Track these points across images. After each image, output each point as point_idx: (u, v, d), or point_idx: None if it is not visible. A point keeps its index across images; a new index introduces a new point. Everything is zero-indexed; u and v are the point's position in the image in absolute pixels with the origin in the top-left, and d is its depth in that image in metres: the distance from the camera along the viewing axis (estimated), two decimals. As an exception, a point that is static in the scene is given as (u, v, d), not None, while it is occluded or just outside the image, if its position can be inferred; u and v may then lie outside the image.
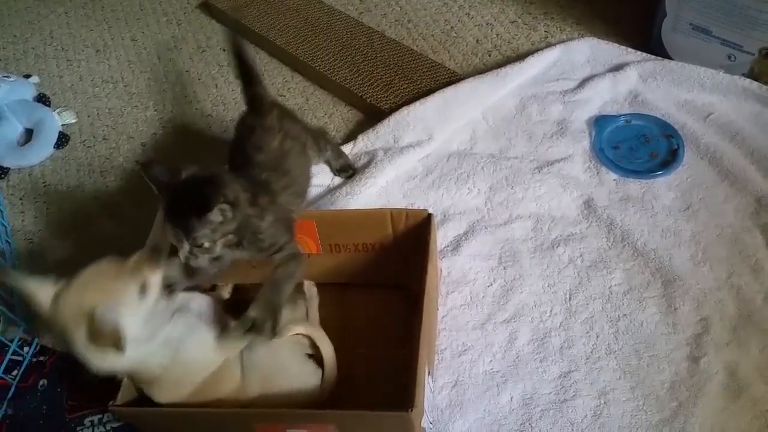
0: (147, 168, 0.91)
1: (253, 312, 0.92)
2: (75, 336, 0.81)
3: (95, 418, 1.11)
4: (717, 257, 1.15)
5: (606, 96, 1.45)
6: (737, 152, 1.29)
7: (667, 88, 1.43)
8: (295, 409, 0.93)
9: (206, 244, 0.89)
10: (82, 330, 0.80)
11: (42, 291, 0.83)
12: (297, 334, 1.03)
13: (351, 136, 1.47)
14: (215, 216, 0.87)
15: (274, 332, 0.92)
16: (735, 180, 1.25)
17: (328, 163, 1.35)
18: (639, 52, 1.53)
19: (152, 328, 0.88)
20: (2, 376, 1.15)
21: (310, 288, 1.14)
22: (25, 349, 1.20)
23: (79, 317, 0.80)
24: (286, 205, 1.02)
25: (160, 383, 0.92)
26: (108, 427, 1.09)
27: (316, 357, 1.03)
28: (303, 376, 0.99)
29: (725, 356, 1.03)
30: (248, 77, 1.22)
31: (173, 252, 0.93)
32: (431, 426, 0.99)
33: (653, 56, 1.51)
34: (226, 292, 1.14)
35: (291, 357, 1.01)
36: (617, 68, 1.49)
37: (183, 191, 0.90)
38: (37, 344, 1.21)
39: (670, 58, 1.49)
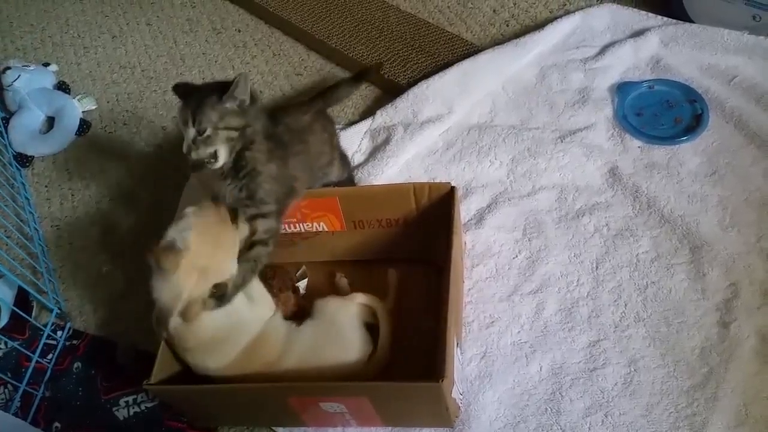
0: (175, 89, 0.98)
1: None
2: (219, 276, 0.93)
3: (130, 399, 1.13)
4: (745, 221, 1.14)
5: (628, 62, 1.43)
6: (763, 115, 1.26)
7: (690, 52, 1.41)
8: (326, 383, 0.94)
9: (209, 130, 0.92)
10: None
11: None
12: (362, 304, 1.07)
13: (369, 112, 1.46)
14: (230, 101, 0.93)
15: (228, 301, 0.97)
16: (762, 143, 1.23)
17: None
18: (660, 17, 1.50)
19: None
20: (38, 359, 1.17)
21: (392, 275, 1.15)
22: (59, 333, 1.22)
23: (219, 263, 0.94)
24: (293, 170, 1.04)
25: (209, 347, 0.95)
26: (143, 407, 1.12)
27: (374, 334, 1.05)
28: (354, 343, 1.01)
29: (756, 321, 1.02)
30: (326, 92, 1.25)
31: None
32: (461, 396, 0.99)
33: (675, 20, 1.48)
34: None
35: (350, 320, 1.03)
36: (638, 34, 1.46)
37: (207, 86, 0.97)
38: (70, 328, 1.23)
39: (691, 21, 1.46)
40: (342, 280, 1.17)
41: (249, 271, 0.98)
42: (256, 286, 1.01)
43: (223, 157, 0.95)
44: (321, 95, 1.23)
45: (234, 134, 0.95)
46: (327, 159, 1.15)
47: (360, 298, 1.07)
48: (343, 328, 1.01)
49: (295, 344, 0.98)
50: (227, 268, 0.95)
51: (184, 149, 0.94)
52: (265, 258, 1.00)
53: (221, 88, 0.94)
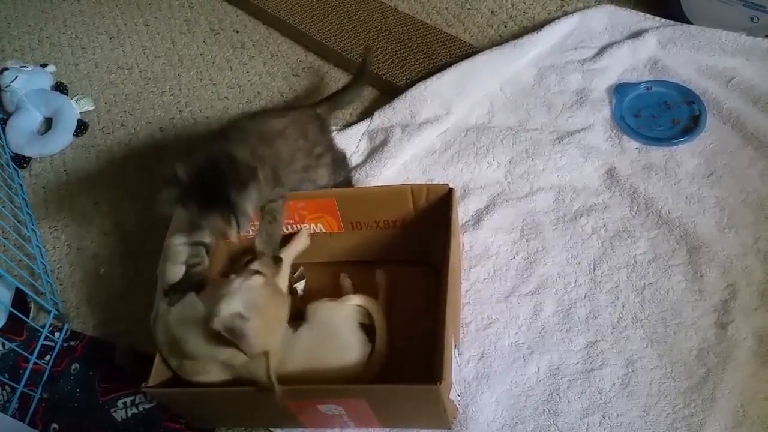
0: (162, 208, 0.97)
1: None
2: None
3: (128, 400, 1.13)
4: (742, 223, 1.14)
5: (625, 63, 1.43)
6: (761, 116, 1.27)
7: (688, 53, 1.41)
8: (325, 385, 0.94)
9: (249, 210, 0.94)
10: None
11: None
12: (356, 305, 1.06)
13: (367, 114, 1.46)
14: (255, 186, 0.93)
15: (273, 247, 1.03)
16: (759, 144, 1.23)
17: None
18: (658, 18, 1.50)
19: None
20: (36, 361, 1.17)
21: (381, 275, 1.15)
22: (56, 334, 1.22)
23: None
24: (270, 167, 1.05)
25: (200, 361, 0.96)
26: (141, 408, 1.12)
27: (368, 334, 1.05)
28: (352, 345, 1.00)
29: (754, 322, 1.02)
30: (335, 95, 1.29)
31: None
32: (459, 398, 0.99)
33: (672, 21, 1.48)
34: None
35: (345, 323, 1.03)
36: (636, 35, 1.46)
37: (206, 186, 0.93)
38: (68, 329, 1.23)
39: (689, 22, 1.46)
40: (346, 281, 1.16)
41: (268, 224, 1.02)
42: (283, 283, 1.04)
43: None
44: (327, 99, 1.24)
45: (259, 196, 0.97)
46: (300, 165, 1.14)
47: (354, 300, 1.06)
48: (338, 332, 1.01)
49: (293, 349, 0.98)
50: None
51: (235, 239, 0.98)
52: (280, 213, 1.05)
53: (224, 177, 0.93)
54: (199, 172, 0.95)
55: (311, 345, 0.99)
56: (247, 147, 1.03)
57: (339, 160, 1.26)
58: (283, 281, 1.05)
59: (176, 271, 1.04)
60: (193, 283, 1.01)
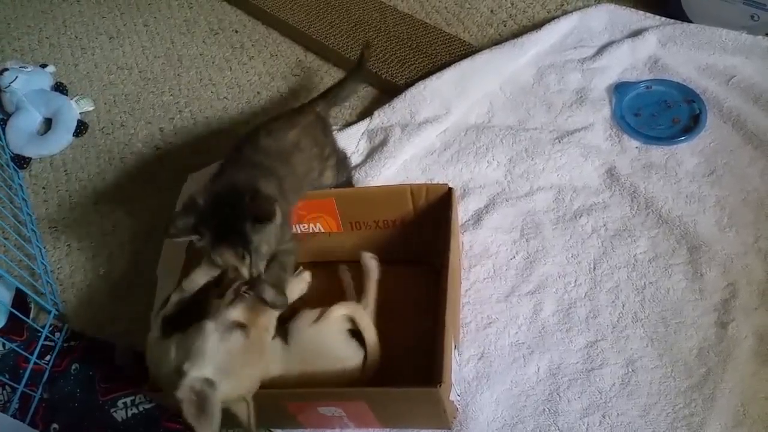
0: (174, 234, 0.89)
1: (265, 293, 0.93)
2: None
3: (128, 400, 1.13)
4: (743, 222, 1.14)
5: (625, 62, 1.42)
6: (761, 115, 1.26)
7: (688, 52, 1.41)
8: (325, 388, 0.94)
9: (264, 249, 0.89)
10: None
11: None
12: (341, 315, 1.03)
13: (366, 113, 1.46)
14: (273, 225, 0.88)
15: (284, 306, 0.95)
16: (760, 143, 1.23)
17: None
18: (658, 17, 1.50)
19: None
20: (36, 361, 1.17)
21: (369, 261, 1.13)
22: (57, 334, 1.22)
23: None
24: (287, 196, 1.01)
25: None
26: (141, 408, 1.12)
27: (360, 337, 1.02)
28: (344, 358, 0.99)
29: (754, 321, 1.02)
30: (330, 91, 1.26)
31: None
32: (459, 398, 0.99)
33: (672, 20, 1.48)
34: None
35: (333, 338, 1.00)
36: (636, 34, 1.46)
37: (224, 217, 0.88)
38: (68, 330, 1.23)
39: (689, 21, 1.46)
40: (345, 274, 1.16)
41: (276, 270, 0.96)
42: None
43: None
44: (323, 96, 1.22)
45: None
46: (317, 173, 1.12)
47: (337, 311, 1.01)
48: (327, 348, 0.99)
49: (290, 362, 0.97)
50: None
51: (247, 276, 0.91)
52: (290, 262, 1.01)
53: (237, 207, 0.88)
54: (219, 201, 0.90)
55: (303, 358, 0.98)
56: (271, 176, 0.98)
57: (342, 160, 1.26)
58: (272, 322, 0.95)
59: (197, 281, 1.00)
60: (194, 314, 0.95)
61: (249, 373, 0.88)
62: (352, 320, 1.03)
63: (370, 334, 1.02)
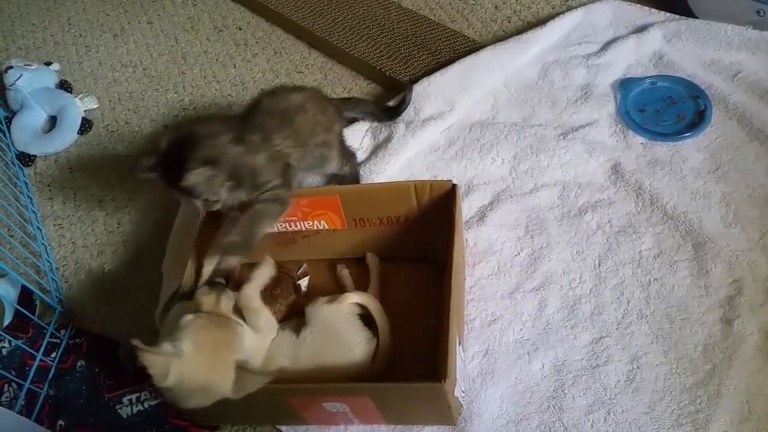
0: (138, 171, 1.01)
1: (231, 237, 1.01)
2: (221, 390, 0.87)
3: (133, 397, 1.13)
4: (748, 218, 1.14)
5: (630, 58, 1.42)
6: (767, 110, 1.26)
7: (693, 47, 1.40)
8: (328, 384, 0.94)
9: (210, 198, 0.97)
10: (228, 383, 0.87)
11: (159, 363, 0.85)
12: (353, 303, 1.06)
13: (371, 110, 1.46)
14: (195, 178, 0.94)
15: (246, 252, 1.02)
16: (765, 139, 1.22)
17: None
18: (663, 12, 1.49)
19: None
20: (42, 358, 1.18)
21: (373, 259, 1.15)
22: (62, 331, 1.22)
23: (220, 376, 0.87)
24: (283, 149, 1.06)
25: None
26: (146, 405, 1.12)
27: (372, 328, 1.04)
28: (356, 343, 1.00)
29: (760, 317, 1.02)
30: (351, 100, 1.37)
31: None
32: (463, 394, 0.99)
33: (677, 16, 1.47)
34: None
35: (346, 320, 1.02)
36: (641, 29, 1.46)
37: (169, 161, 0.98)
38: (73, 327, 1.24)
39: (695, 16, 1.46)
40: (344, 271, 1.17)
41: (247, 222, 1.03)
42: (263, 315, 0.99)
43: (235, 198, 1.01)
44: (346, 100, 1.29)
45: (230, 183, 0.99)
46: (321, 140, 1.14)
47: (351, 298, 1.05)
48: (341, 332, 1.01)
49: (300, 355, 0.98)
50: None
51: (201, 209, 1.02)
52: (274, 215, 1.06)
53: (177, 161, 0.95)
54: (174, 143, 0.98)
55: (316, 347, 0.99)
56: (254, 130, 1.05)
57: (350, 155, 1.27)
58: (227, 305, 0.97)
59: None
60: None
61: (220, 356, 0.89)
62: (364, 309, 1.05)
63: (383, 321, 1.04)
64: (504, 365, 1.04)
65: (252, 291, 1.00)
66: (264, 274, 1.04)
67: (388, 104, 1.41)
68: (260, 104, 1.11)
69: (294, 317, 1.06)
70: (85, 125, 1.60)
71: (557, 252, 1.16)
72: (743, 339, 1.00)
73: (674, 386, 0.98)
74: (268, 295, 1.05)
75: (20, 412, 1.11)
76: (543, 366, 1.03)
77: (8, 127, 1.59)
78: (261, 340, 0.99)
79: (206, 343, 0.88)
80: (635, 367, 1.01)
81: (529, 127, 1.34)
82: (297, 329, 1.01)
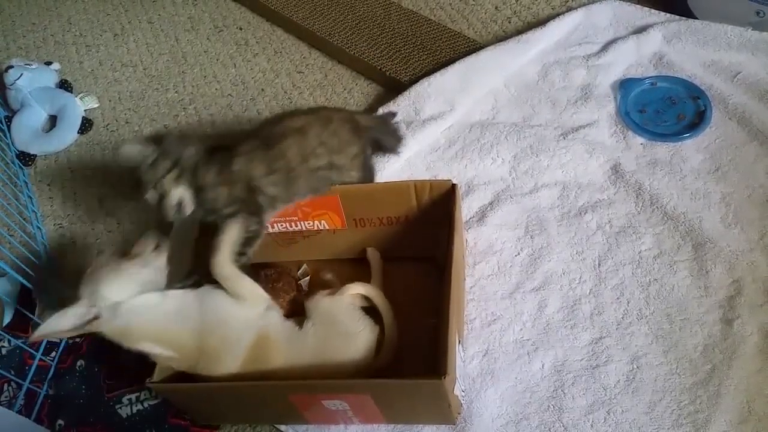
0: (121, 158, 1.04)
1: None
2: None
3: (132, 396, 1.13)
4: (748, 218, 1.14)
5: (630, 59, 1.42)
6: (767, 111, 1.26)
7: (693, 48, 1.40)
8: (328, 380, 0.94)
9: (158, 189, 1.00)
10: None
11: None
12: (354, 294, 1.06)
13: (371, 110, 1.46)
14: (131, 149, 1.00)
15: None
16: (765, 139, 1.22)
17: None
18: (663, 13, 1.50)
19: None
20: (42, 357, 1.18)
21: (374, 254, 1.15)
22: (62, 331, 1.22)
23: None
24: (243, 172, 1.03)
25: (208, 357, 0.95)
26: (145, 405, 1.12)
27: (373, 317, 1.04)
28: (360, 332, 1.00)
29: (759, 318, 1.02)
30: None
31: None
32: (463, 394, 0.99)
33: (677, 16, 1.47)
34: None
35: (348, 310, 1.02)
36: (641, 30, 1.46)
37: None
38: (73, 326, 1.23)
39: (695, 17, 1.46)
40: (327, 275, 1.17)
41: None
42: (241, 282, 0.99)
43: (186, 207, 1.01)
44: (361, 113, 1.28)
45: (173, 173, 1.00)
46: (325, 162, 1.08)
47: (353, 289, 1.06)
48: (343, 322, 1.01)
49: (300, 347, 0.97)
50: None
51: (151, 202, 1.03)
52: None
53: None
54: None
55: (319, 340, 0.98)
56: (228, 149, 1.05)
57: (368, 162, 1.22)
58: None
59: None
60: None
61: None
62: (366, 300, 1.06)
63: (387, 310, 1.04)
64: (504, 365, 1.04)
65: (222, 257, 0.99)
66: (230, 236, 1.02)
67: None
68: (261, 125, 1.10)
69: (296, 317, 1.06)
70: (86, 125, 1.60)
71: (557, 252, 1.16)
72: (743, 339, 1.00)
73: (674, 386, 0.98)
74: (270, 288, 1.05)
75: (20, 412, 1.11)
76: (543, 366, 1.03)
77: (8, 127, 1.59)
78: (247, 310, 0.98)
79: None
80: (635, 367, 1.01)
81: (529, 127, 1.34)
82: (299, 324, 1.01)
